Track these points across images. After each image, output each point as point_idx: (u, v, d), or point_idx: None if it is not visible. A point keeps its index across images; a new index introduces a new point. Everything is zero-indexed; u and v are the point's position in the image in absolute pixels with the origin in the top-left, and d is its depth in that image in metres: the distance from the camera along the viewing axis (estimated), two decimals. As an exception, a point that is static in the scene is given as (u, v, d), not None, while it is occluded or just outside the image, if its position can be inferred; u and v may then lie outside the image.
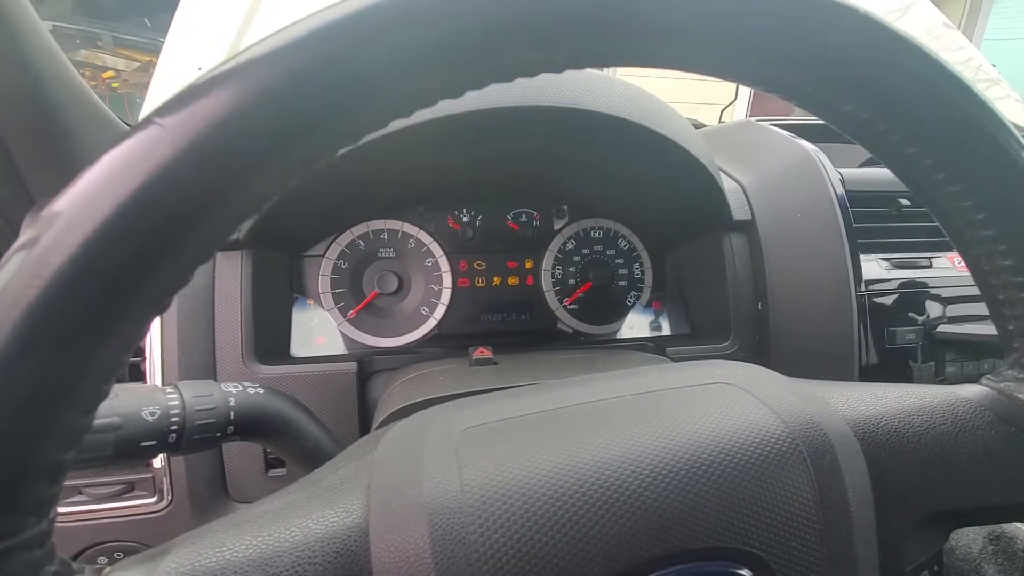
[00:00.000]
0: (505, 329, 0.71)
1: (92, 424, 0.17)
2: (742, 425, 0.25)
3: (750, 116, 1.46)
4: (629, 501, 0.22)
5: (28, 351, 0.15)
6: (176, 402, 0.31)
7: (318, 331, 0.65)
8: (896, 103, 0.23)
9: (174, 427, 0.30)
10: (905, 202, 0.64)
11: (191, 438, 0.32)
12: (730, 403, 0.26)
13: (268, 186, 0.18)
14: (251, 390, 0.35)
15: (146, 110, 0.96)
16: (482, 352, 0.47)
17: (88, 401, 0.16)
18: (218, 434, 0.33)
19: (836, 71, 0.22)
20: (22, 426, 0.15)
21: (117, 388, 0.31)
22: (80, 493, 0.50)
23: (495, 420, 0.26)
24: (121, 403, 0.30)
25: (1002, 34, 3.87)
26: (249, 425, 0.34)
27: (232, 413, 0.33)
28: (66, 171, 0.54)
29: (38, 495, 0.16)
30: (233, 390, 0.34)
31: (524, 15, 0.18)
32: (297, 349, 0.63)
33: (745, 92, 1.43)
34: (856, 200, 0.61)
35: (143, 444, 0.29)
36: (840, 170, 0.63)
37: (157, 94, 0.96)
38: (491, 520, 0.21)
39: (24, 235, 0.15)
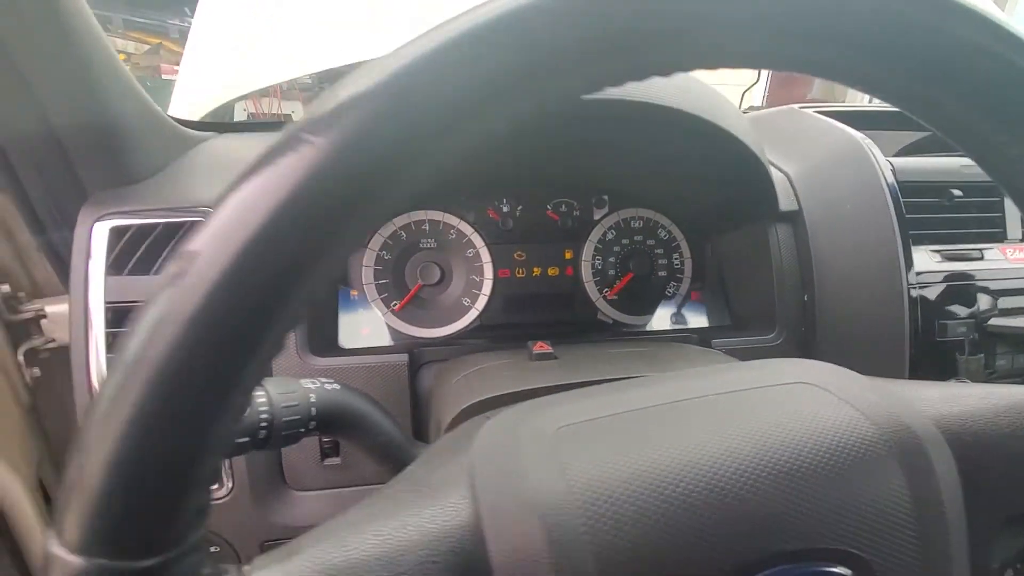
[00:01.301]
0: (545, 319, 0.71)
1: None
2: (833, 427, 0.25)
3: (766, 98, 1.43)
4: (734, 502, 0.22)
5: (193, 371, 0.15)
6: (264, 400, 0.31)
7: (363, 322, 0.65)
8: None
9: (264, 424, 0.31)
10: (957, 192, 0.63)
11: (279, 434, 0.32)
12: (817, 404, 0.26)
13: (406, 193, 0.17)
14: (328, 386, 0.36)
15: (177, 93, 0.95)
16: (541, 347, 0.47)
17: (239, 412, 0.17)
18: (302, 429, 0.33)
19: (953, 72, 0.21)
20: (189, 440, 0.15)
21: None
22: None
23: (586, 419, 0.26)
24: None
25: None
26: (329, 420, 0.35)
27: (314, 409, 0.34)
28: (118, 164, 0.55)
29: (199, 503, 0.17)
30: (312, 386, 0.35)
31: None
32: (345, 340, 0.63)
33: (766, 73, 1.40)
34: (907, 190, 0.60)
35: (238, 441, 0.29)
36: (891, 159, 0.61)
37: (188, 77, 0.95)
38: (600, 520, 0.21)
39: (172, 268, 0.15)
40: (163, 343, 0.14)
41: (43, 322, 0.77)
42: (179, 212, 0.53)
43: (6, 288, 0.75)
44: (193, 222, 0.53)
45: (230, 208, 0.15)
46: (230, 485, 0.52)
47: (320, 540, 0.22)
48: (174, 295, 0.15)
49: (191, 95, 0.90)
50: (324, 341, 0.59)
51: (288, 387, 0.33)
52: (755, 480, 0.23)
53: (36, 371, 0.77)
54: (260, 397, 0.32)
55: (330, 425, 0.35)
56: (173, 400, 0.15)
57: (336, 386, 0.36)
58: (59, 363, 0.83)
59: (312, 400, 0.34)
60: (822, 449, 0.24)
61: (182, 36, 2.71)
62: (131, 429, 0.15)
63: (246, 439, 0.30)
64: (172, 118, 0.69)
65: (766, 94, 1.38)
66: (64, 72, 0.48)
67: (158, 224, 0.53)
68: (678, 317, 0.74)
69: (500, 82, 0.17)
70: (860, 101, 1.03)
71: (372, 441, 0.37)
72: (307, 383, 0.35)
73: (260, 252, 0.15)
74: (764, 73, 1.43)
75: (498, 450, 0.25)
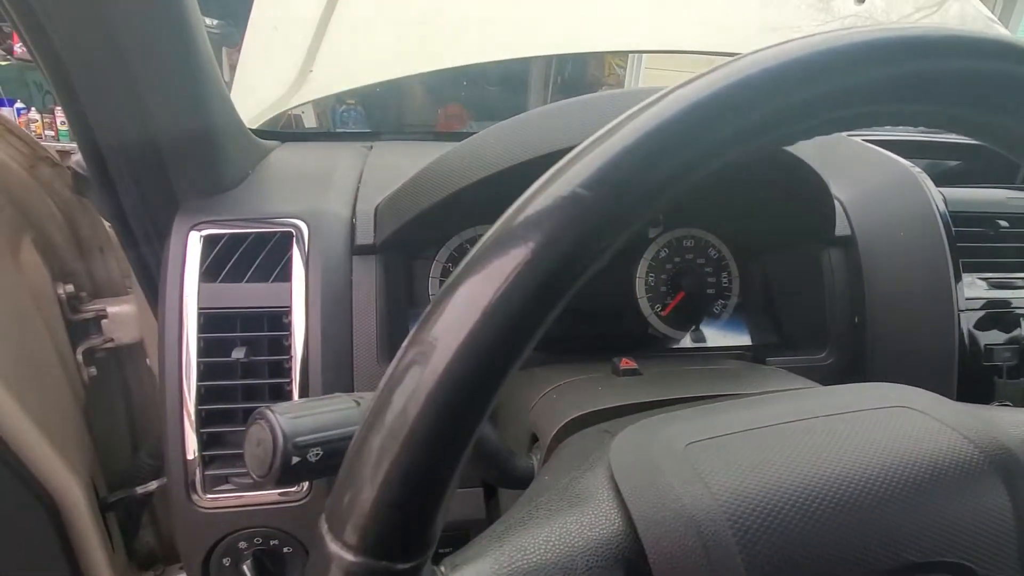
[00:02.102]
0: (599, 334, 0.73)
1: None
2: (940, 448, 0.27)
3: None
4: (863, 516, 0.25)
5: (444, 422, 0.18)
6: None
7: (427, 331, 0.67)
8: None
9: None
10: (1004, 223, 0.65)
11: None
12: (921, 427, 0.29)
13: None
14: None
15: (236, 97, 0.96)
16: (627, 363, 0.49)
17: (469, 449, 0.20)
18: None
19: None
20: (443, 470, 0.19)
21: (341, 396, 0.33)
22: (228, 482, 0.53)
23: (711, 436, 0.29)
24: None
25: (1039, 35, 3.82)
26: None
27: None
28: (210, 173, 0.57)
29: (438, 525, 0.20)
30: None
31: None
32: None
33: None
34: (956, 219, 0.63)
35: None
36: (942, 190, 0.64)
37: (247, 82, 0.95)
38: (747, 530, 0.24)
39: (410, 352, 0.19)
40: (420, 406, 0.18)
41: (103, 322, 0.79)
42: (267, 223, 0.56)
43: (70, 288, 0.76)
44: (282, 232, 0.55)
45: (459, 300, 0.19)
46: (307, 486, 0.54)
47: (500, 545, 0.24)
48: (423, 374, 0.18)
49: (251, 101, 0.91)
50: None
51: None
52: (880, 497, 0.25)
53: (93, 370, 0.79)
54: None
55: None
56: (434, 441, 0.18)
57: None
58: (115, 363, 0.84)
59: None
60: (934, 468, 0.27)
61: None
62: (404, 460, 0.18)
63: None
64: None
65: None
66: (176, 81, 0.50)
67: (249, 234, 0.55)
68: (724, 334, 0.76)
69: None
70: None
71: (483, 449, 0.39)
72: None
73: (481, 342, 0.18)
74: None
75: (638, 463, 0.27)
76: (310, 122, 2.41)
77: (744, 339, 0.76)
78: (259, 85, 0.92)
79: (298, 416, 0.30)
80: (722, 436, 0.29)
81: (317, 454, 0.30)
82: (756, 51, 0.20)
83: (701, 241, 0.75)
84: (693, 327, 0.75)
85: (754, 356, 0.65)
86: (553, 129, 0.49)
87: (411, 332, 0.20)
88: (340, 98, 2.96)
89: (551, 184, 0.20)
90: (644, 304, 0.74)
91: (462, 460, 0.19)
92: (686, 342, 0.74)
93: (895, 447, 0.27)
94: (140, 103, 0.49)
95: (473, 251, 0.19)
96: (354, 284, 0.55)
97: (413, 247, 0.66)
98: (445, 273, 0.68)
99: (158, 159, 0.53)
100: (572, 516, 0.26)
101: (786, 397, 0.35)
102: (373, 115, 3.23)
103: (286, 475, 0.29)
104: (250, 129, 0.76)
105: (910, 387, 0.34)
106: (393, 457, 0.18)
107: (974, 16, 1.11)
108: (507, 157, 0.47)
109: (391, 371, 0.19)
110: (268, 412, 0.30)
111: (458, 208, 0.61)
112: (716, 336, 0.76)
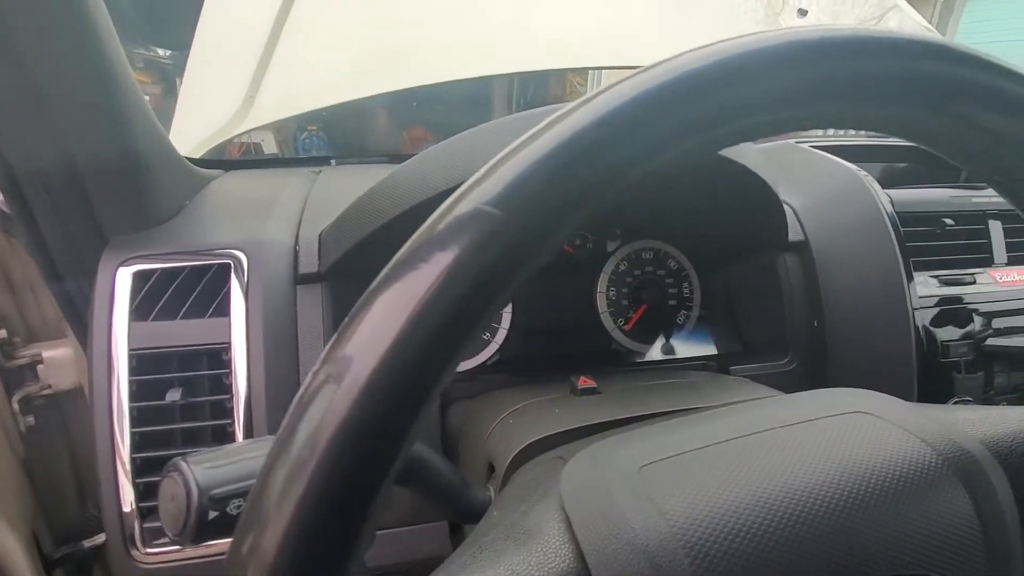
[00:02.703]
0: (562, 351, 0.71)
1: None
2: (898, 455, 0.26)
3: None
4: (824, 533, 0.24)
5: (352, 461, 0.16)
6: None
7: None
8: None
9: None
10: (949, 221, 0.67)
11: None
12: (878, 433, 0.28)
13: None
14: None
15: (177, 126, 0.92)
16: (585, 381, 0.48)
17: (388, 492, 0.18)
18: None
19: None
20: (352, 525, 0.17)
21: None
22: (167, 535, 0.49)
23: (665, 456, 0.27)
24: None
25: (974, 38, 4.05)
26: (405, 471, 0.34)
27: None
28: (139, 205, 0.54)
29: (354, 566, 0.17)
30: None
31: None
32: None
33: None
34: (904, 220, 0.64)
35: None
36: (888, 192, 0.65)
37: (188, 111, 0.93)
38: (703, 557, 0.22)
39: (326, 370, 0.17)
40: (328, 440, 0.16)
41: (39, 367, 0.74)
42: (202, 255, 0.53)
43: (2, 333, 0.71)
44: (219, 264, 0.52)
45: (377, 313, 0.17)
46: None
47: None
48: (334, 397, 0.16)
49: (193, 130, 0.89)
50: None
51: None
52: (840, 511, 0.24)
53: (31, 419, 0.74)
54: None
55: (405, 475, 0.35)
56: (347, 469, 0.16)
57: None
58: (55, 410, 0.79)
59: None
60: (893, 477, 0.26)
61: (147, 65, 2.65)
62: (303, 510, 0.16)
63: None
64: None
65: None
66: (91, 104, 0.47)
67: (183, 268, 0.52)
68: (688, 345, 0.76)
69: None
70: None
71: (434, 484, 0.37)
72: None
73: (404, 355, 0.16)
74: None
75: (588, 492, 0.26)
76: (270, 149, 2.37)
77: (709, 349, 0.75)
78: (202, 112, 0.89)
79: (216, 465, 0.28)
80: (677, 456, 0.27)
81: (239, 506, 0.27)
82: (656, 63, 0.19)
83: (660, 253, 0.75)
84: (658, 340, 0.74)
85: (718, 366, 0.64)
86: (499, 144, 0.48)
87: (322, 352, 0.18)
88: (301, 124, 2.92)
89: (460, 200, 0.18)
90: (607, 319, 0.72)
91: (380, 490, 0.17)
92: (655, 354, 0.73)
93: (853, 457, 0.26)
94: (53, 127, 0.46)
95: (389, 265, 0.18)
96: (299, 315, 0.53)
97: (366, 273, 0.64)
98: (400, 298, 0.66)
99: (80, 190, 0.50)
100: (519, 556, 0.24)
101: (743, 409, 0.34)
102: (336, 140, 3.19)
103: (203, 532, 0.27)
104: (193, 159, 0.73)
105: (866, 391, 0.33)
106: (300, 491, 0.16)
107: (912, 28, 1.17)
108: (452, 175, 0.46)
109: (299, 395, 0.17)
110: (182, 463, 0.28)
111: (409, 230, 0.59)
112: (682, 347, 0.75)
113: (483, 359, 0.68)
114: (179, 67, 2.48)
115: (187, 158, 0.72)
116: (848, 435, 0.28)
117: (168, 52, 2.52)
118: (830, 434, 0.28)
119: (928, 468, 0.26)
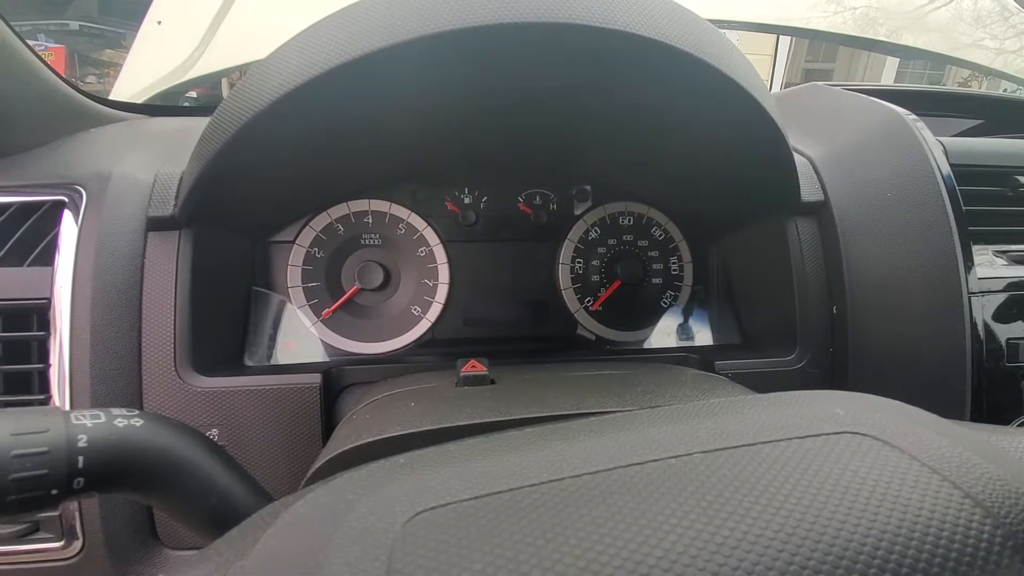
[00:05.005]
0: (513, 335, 0.59)
1: None
2: (919, 518, 0.14)
3: (785, 74, 1.32)
4: None
5: None
6: None
7: (286, 334, 0.54)
8: None
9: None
10: (1023, 180, 0.50)
11: (4, 499, 0.20)
12: (882, 471, 0.16)
13: None
14: (121, 421, 0.24)
15: (123, 76, 0.89)
16: (474, 366, 0.34)
17: None
18: (54, 491, 0.21)
19: None
20: None
21: None
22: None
23: (469, 497, 0.15)
24: None
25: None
26: (112, 474, 0.23)
27: (82, 458, 0.22)
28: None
29: None
30: (89, 422, 0.23)
31: None
32: (254, 356, 0.51)
33: (784, 45, 1.28)
34: (962, 177, 0.48)
35: None
36: (941, 139, 0.49)
37: (135, 62, 0.89)
38: None
39: None
40: None
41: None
42: (33, 190, 0.43)
43: None
44: (52, 202, 0.42)
45: None
46: (79, 544, 0.40)
47: None
48: None
49: (136, 78, 0.84)
50: (223, 357, 0.47)
51: (33, 423, 0.21)
52: None
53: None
54: None
55: (115, 480, 0.23)
56: None
57: (137, 421, 0.24)
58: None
59: (81, 444, 0.22)
60: (905, 567, 0.13)
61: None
62: None
63: None
64: (92, 96, 0.59)
65: (786, 71, 1.29)
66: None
67: (10, 204, 0.42)
68: (677, 334, 0.61)
69: None
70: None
71: (194, 504, 0.25)
72: (81, 416, 0.23)
73: None
74: (783, 45, 1.30)
75: (289, 560, 0.13)
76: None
77: (706, 339, 0.61)
78: (145, 62, 0.83)
79: None
80: (487, 496, 0.15)
81: None
82: None
83: (642, 219, 0.61)
84: (636, 326, 0.60)
85: (701, 360, 0.50)
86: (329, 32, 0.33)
87: None
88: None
89: None
90: (570, 296, 0.59)
91: None
92: (631, 343, 0.59)
93: (828, 521, 0.14)
94: None
95: None
96: (146, 268, 0.42)
97: (260, 226, 0.53)
98: (309, 260, 0.54)
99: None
100: None
101: (660, 419, 0.21)
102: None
103: None
104: (115, 102, 0.65)
105: (870, 397, 0.21)
106: None
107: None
108: (288, 77, 0.32)
109: None
110: None
111: (305, 173, 0.47)
112: (667, 336, 0.61)
113: (412, 339, 0.56)
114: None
115: (109, 100, 0.64)
116: (829, 473, 0.15)
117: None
118: (800, 475, 0.16)
119: (974, 541, 0.14)
